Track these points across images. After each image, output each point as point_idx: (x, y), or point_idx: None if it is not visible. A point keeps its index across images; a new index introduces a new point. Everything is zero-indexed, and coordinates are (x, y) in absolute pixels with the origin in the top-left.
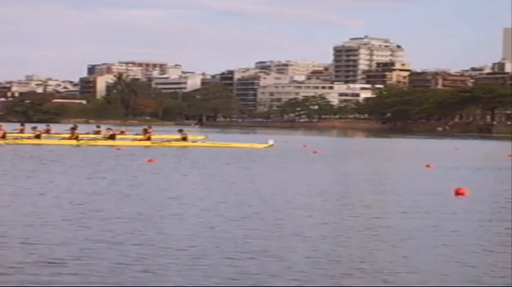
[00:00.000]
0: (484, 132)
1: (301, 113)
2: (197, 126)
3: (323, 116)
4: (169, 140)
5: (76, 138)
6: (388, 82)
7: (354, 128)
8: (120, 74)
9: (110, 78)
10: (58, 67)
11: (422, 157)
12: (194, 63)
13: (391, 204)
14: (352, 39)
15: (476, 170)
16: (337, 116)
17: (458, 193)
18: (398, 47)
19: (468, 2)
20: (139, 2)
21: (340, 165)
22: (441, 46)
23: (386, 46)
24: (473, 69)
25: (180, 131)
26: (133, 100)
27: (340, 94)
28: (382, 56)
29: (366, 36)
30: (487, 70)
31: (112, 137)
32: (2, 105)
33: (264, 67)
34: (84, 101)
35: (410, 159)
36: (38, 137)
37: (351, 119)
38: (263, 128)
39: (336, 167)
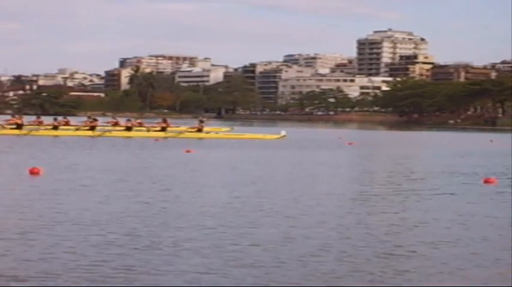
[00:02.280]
0: (489, 124)
1: (319, 106)
2: (205, 119)
3: (340, 109)
4: (183, 132)
5: (92, 128)
6: (411, 75)
7: (371, 121)
8: (138, 67)
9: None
10: (93, 61)
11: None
12: (224, 57)
13: None
14: (375, 32)
15: None
16: (355, 109)
17: None
18: (422, 39)
19: None
20: None
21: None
22: (472, 39)
23: (410, 39)
24: (504, 62)
25: (201, 121)
26: (151, 93)
27: (362, 87)
28: (406, 49)
29: (390, 29)
30: None
31: (129, 128)
32: (19, 98)
33: (292, 60)
34: (102, 94)
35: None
36: (55, 128)
37: (368, 111)
38: (281, 121)
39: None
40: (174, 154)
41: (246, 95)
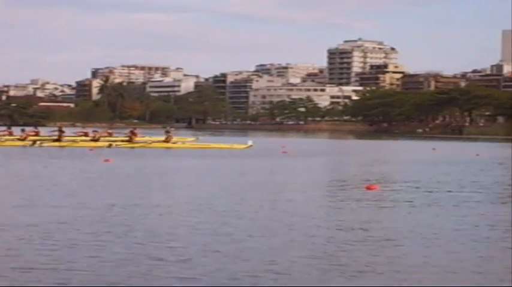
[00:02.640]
0: (456, 133)
1: (289, 116)
2: (173, 129)
3: (310, 119)
4: (151, 142)
5: (59, 140)
6: (381, 84)
7: (341, 130)
8: (107, 78)
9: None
10: (65, 71)
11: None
12: (196, 67)
13: None
14: (346, 41)
15: None
16: (325, 119)
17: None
18: (392, 49)
19: (468, 4)
20: (149, 6)
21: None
22: (444, 49)
23: (380, 48)
24: (475, 71)
25: (167, 132)
26: (120, 103)
27: (332, 96)
28: (376, 59)
29: (360, 39)
30: (488, 72)
31: (96, 139)
32: None
33: (264, 70)
34: (72, 105)
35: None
36: (23, 140)
37: (338, 121)
38: (252, 130)
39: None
40: (88, 164)
41: (216, 105)
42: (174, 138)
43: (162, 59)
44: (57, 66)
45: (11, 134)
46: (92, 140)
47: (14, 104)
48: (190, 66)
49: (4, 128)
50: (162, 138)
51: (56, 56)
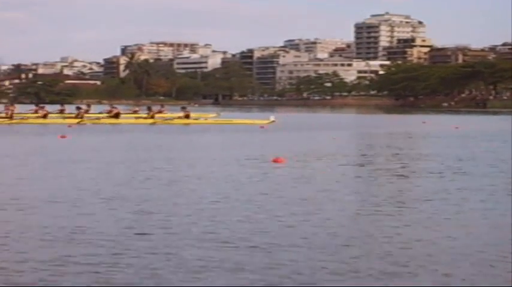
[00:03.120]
0: (480, 107)
1: (315, 91)
2: (196, 105)
3: (337, 94)
4: (171, 118)
5: (81, 117)
6: (409, 59)
7: (367, 105)
8: (133, 55)
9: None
10: (95, 49)
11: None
12: (225, 43)
13: None
14: (373, 15)
15: None
16: (352, 93)
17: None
18: (420, 23)
19: None
20: None
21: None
22: (473, 22)
23: (407, 22)
24: (505, 44)
25: (183, 108)
26: (146, 80)
27: (359, 71)
28: (404, 33)
29: (387, 13)
30: None
31: (116, 115)
32: (15, 87)
33: (292, 45)
34: (98, 82)
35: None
36: (45, 116)
37: (365, 96)
38: (278, 106)
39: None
40: (46, 140)
41: (243, 81)
42: (197, 115)
43: (191, 35)
44: (87, 44)
45: (37, 111)
46: (112, 117)
47: (40, 82)
48: (220, 42)
49: (33, 106)
50: (181, 114)
51: (86, 34)
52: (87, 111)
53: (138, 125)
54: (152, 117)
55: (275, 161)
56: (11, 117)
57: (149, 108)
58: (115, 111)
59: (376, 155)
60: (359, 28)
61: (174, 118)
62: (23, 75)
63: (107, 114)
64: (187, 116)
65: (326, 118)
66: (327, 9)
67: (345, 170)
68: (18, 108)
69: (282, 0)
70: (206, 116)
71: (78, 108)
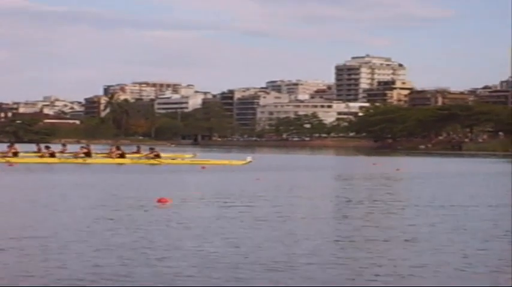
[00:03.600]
0: (455, 149)
1: (294, 132)
2: (173, 145)
3: (316, 135)
4: (141, 158)
5: (52, 155)
6: (389, 101)
7: (345, 147)
8: (112, 95)
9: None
10: (78, 88)
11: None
12: (208, 83)
13: None
14: (353, 58)
15: None
16: (331, 135)
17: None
18: (400, 65)
19: (477, 21)
20: (163, 23)
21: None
22: (454, 65)
23: (387, 65)
24: (485, 87)
25: (151, 149)
26: (126, 120)
27: (339, 113)
28: (384, 75)
29: (368, 55)
30: (498, 88)
31: (87, 154)
32: None
33: (274, 86)
34: (78, 121)
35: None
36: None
37: (343, 137)
38: (257, 147)
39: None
40: None
41: (223, 122)
42: (173, 155)
43: (174, 76)
44: (70, 83)
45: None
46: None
47: (19, 121)
48: (202, 83)
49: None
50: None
51: (70, 73)
52: (63, 151)
53: (107, 165)
54: (122, 156)
55: (160, 201)
56: None
57: (118, 148)
58: (84, 150)
59: (276, 197)
60: (340, 70)
61: (142, 158)
62: (3, 114)
63: (75, 153)
64: (157, 156)
65: (300, 159)
66: (308, 51)
67: (221, 212)
68: None
69: (265, 41)
70: (182, 156)
71: (47, 147)
